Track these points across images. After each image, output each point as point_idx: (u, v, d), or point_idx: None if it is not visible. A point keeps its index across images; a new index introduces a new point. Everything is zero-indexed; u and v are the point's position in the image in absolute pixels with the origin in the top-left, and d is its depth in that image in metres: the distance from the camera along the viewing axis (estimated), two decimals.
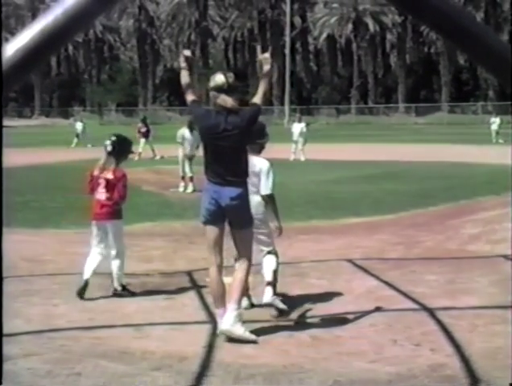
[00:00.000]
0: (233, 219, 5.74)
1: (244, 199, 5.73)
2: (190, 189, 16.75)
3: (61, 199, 15.06)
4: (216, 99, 5.71)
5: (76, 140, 36.92)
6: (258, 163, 6.32)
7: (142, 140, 26.25)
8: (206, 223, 5.80)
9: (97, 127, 56.35)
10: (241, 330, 5.60)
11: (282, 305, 6.37)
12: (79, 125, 37.90)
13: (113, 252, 7.18)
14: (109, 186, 7.20)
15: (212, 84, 5.74)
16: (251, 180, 6.08)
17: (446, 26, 0.77)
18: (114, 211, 7.22)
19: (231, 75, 5.80)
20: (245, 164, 5.81)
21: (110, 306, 6.79)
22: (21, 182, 16.57)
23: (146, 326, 6.11)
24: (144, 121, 27.73)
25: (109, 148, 7.22)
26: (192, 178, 16.86)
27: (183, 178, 17.02)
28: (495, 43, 0.76)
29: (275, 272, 6.49)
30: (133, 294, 7.19)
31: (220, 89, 5.68)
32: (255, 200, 6.24)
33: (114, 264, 7.19)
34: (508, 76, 0.76)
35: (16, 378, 4.64)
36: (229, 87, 5.68)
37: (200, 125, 5.95)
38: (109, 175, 7.22)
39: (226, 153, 5.66)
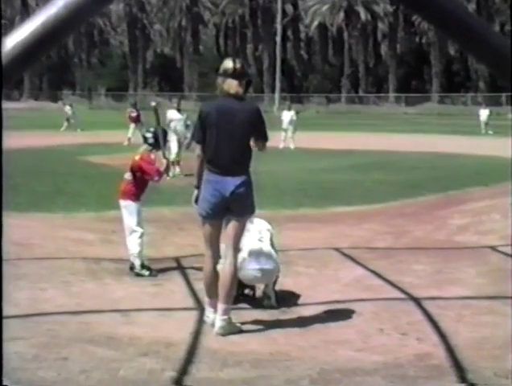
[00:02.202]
0: (236, 207, 5.58)
1: (248, 185, 5.63)
2: (171, 174, 16.54)
3: (50, 183, 15.01)
4: (222, 83, 5.70)
5: (66, 124, 36.68)
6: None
7: (132, 125, 26.05)
8: (206, 217, 5.66)
9: (86, 111, 56.11)
10: (233, 329, 5.61)
11: (274, 304, 6.34)
12: (68, 109, 37.60)
13: (127, 233, 7.53)
14: (134, 167, 7.58)
15: (220, 69, 5.74)
16: None
17: (445, 21, 0.77)
18: (128, 192, 7.54)
19: (239, 62, 5.79)
20: (248, 152, 5.72)
21: (98, 292, 6.78)
22: (9, 166, 16.42)
23: (133, 312, 6.11)
24: (134, 105, 27.51)
25: (151, 140, 7.68)
26: (178, 162, 16.77)
27: (173, 163, 16.95)
28: (494, 37, 0.75)
29: (277, 277, 6.46)
30: (151, 272, 7.42)
31: (226, 74, 5.67)
32: None
33: (128, 244, 7.53)
34: (508, 72, 0.76)
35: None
36: (235, 71, 5.65)
37: (207, 112, 5.77)
38: (137, 157, 7.65)
39: (230, 139, 5.59)
